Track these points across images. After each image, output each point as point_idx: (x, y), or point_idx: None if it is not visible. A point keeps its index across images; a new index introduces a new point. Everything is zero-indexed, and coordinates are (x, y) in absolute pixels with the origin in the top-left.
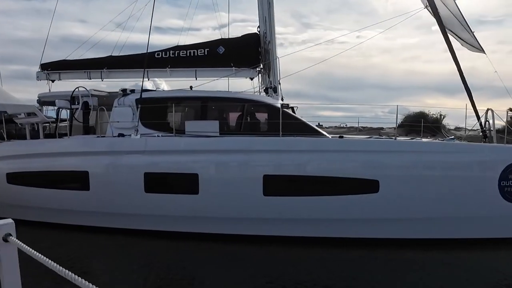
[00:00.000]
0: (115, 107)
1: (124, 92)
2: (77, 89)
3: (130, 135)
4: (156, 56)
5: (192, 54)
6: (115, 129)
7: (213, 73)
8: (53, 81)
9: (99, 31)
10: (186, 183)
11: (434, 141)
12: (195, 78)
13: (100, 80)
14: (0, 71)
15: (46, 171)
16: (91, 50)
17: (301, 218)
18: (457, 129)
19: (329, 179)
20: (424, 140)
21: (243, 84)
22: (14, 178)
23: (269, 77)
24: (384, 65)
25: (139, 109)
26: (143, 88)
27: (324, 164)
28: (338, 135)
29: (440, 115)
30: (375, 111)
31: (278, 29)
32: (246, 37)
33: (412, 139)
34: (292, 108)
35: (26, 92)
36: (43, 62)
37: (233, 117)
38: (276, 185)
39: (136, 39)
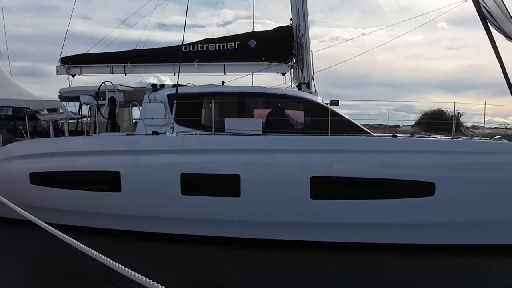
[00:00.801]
0: (146, 103)
1: (154, 87)
2: (103, 84)
3: (165, 133)
4: (183, 49)
5: (221, 48)
6: (148, 126)
7: (243, 67)
8: (73, 75)
9: (114, 30)
10: (226, 185)
11: (490, 141)
12: (223, 73)
13: (124, 74)
14: (4, 68)
15: (73, 171)
16: (103, 48)
17: (349, 223)
18: (474, 127)
19: (380, 181)
20: (479, 140)
21: (270, 79)
22: (38, 178)
23: (302, 72)
24: (387, 62)
25: (174, 106)
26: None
27: (375, 165)
28: (391, 134)
29: (458, 113)
30: (380, 108)
31: None
32: (279, 30)
33: (457, 138)
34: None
35: (31, 89)
36: (62, 56)
37: (276, 114)
38: (324, 187)
39: (145, 37)
